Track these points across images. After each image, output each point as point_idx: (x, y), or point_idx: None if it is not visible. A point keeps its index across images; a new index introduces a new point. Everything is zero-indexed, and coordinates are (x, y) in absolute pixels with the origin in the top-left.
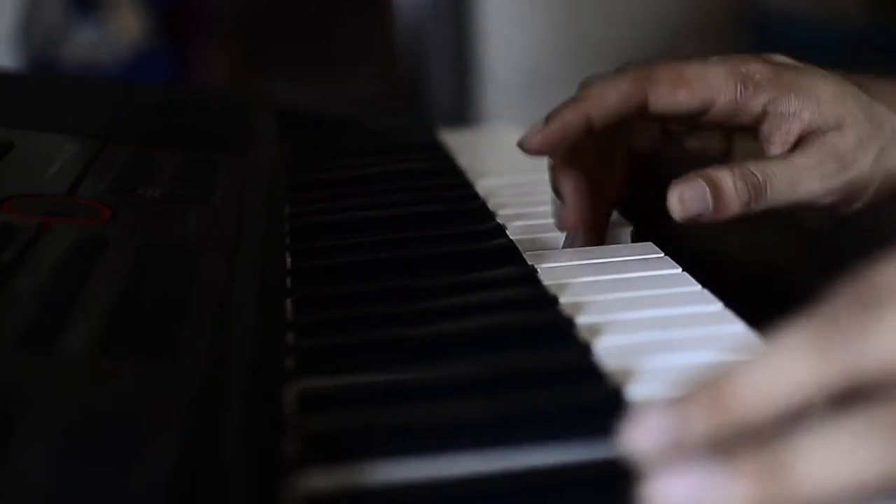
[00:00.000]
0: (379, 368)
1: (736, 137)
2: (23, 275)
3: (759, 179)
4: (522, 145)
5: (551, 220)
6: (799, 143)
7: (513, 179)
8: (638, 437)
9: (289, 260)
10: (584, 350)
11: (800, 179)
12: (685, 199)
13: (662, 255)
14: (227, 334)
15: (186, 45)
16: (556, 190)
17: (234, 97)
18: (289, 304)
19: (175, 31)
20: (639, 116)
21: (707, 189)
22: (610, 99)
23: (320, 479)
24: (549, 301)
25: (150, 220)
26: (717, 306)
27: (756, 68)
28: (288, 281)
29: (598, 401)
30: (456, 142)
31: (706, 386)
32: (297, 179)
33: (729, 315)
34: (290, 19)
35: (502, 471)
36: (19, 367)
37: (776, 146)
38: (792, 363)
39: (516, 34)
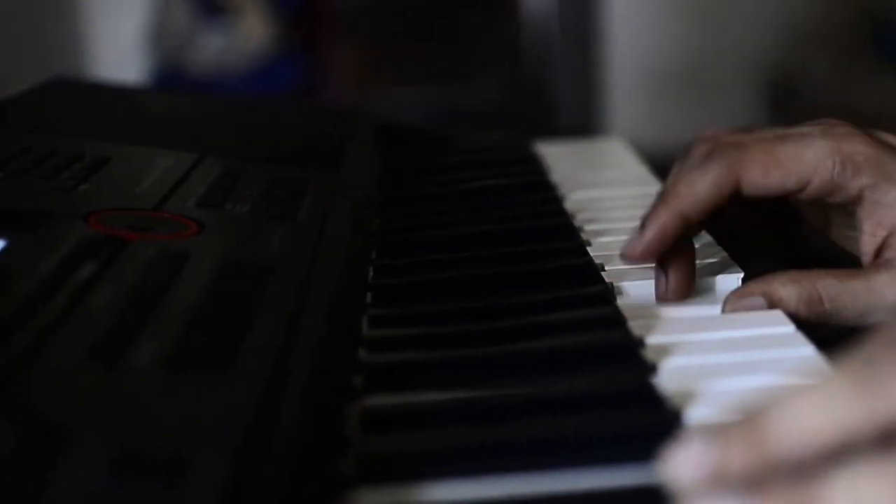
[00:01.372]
0: (443, 387)
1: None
2: (100, 290)
3: (824, 308)
4: (624, 257)
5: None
6: (887, 245)
7: (605, 193)
8: (677, 467)
9: (371, 276)
10: (647, 372)
11: (871, 310)
12: (736, 312)
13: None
14: (290, 352)
15: (313, 49)
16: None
17: (338, 109)
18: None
19: (302, 35)
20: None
21: (764, 306)
22: (701, 192)
23: (372, 499)
24: (619, 320)
25: (234, 236)
26: (789, 328)
27: (859, 149)
28: (368, 297)
29: (654, 425)
30: (554, 154)
31: (746, 420)
32: (388, 195)
33: (800, 337)
34: (417, 23)
35: (552, 493)
36: (82, 382)
37: (866, 236)
38: (830, 404)
39: (642, 37)
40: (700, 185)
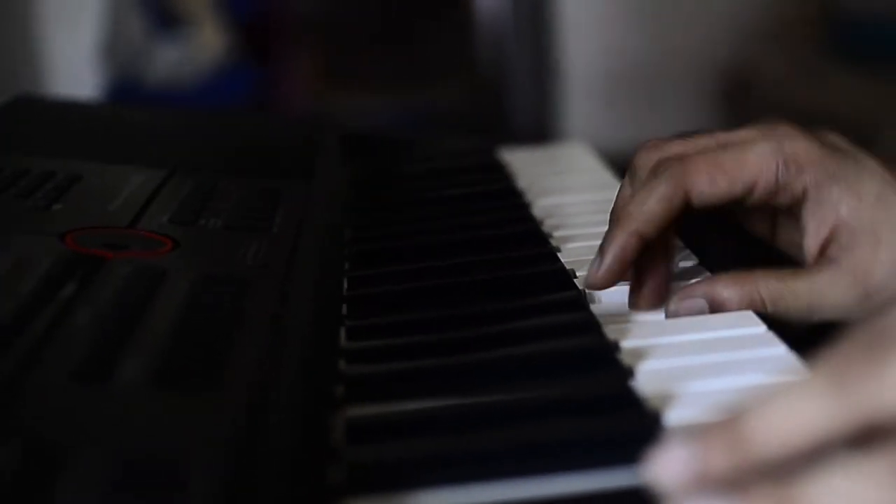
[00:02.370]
0: (424, 396)
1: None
2: (81, 308)
3: (766, 310)
4: (589, 286)
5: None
6: (831, 245)
7: (571, 199)
8: (660, 470)
9: (345, 286)
10: (624, 376)
11: (814, 309)
12: (678, 313)
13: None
14: (275, 365)
15: (269, 59)
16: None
17: (301, 120)
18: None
19: (257, 45)
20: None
21: (706, 308)
22: (652, 210)
23: None
24: (594, 326)
25: (209, 251)
26: (761, 328)
27: (801, 148)
28: (343, 308)
29: (634, 428)
30: (519, 160)
31: (725, 422)
32: (357, 204)
33: (772, 337)
34: (372, 31)
35: (537, 498)
36: (73, 401)
37: (810, 236)
38: (808, 405)
39: (597, 39)
40: (650, 204)
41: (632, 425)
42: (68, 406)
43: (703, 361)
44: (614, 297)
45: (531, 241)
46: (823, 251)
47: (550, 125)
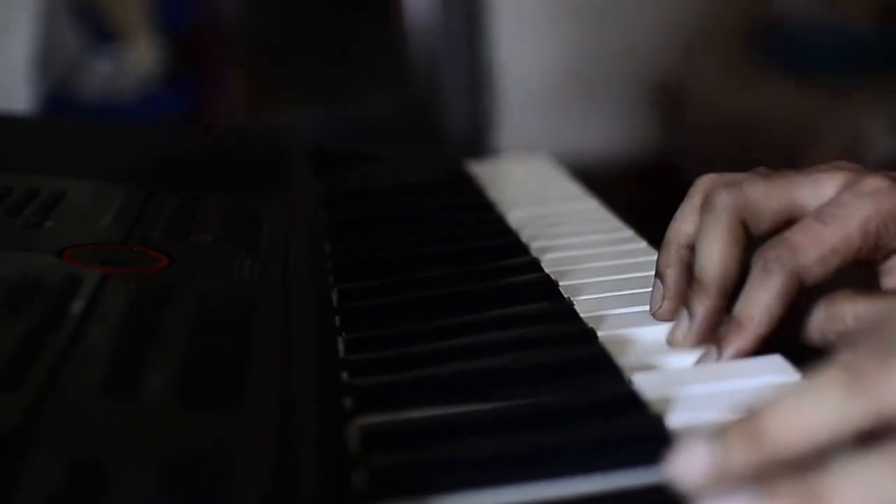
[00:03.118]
0: (432, 404)
1: None
2: (94, 324)
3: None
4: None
5: (583, 252)
6: None
7: (541, 211)
8: (681, 468)
9: (335, 299)
10: (624, 381)
11: None
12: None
13: None
14: (293, 378)
15: (202, 72)
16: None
17: (267, 135)
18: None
19: (191, 59)
20: None
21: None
22: (773, 311)
23: None
24: (588, 335)
25: (206, 267)
26: None
27: (893, 203)
28: (336, 320)
29: (642, 429)
30: (485, 173)
31: (744, 421)
32: (333, 219)
33: None
34: (304, 44)
35: (552, 499)
36: (107, 415)
37: (889, 281)
38: (823, 402)
39: (531, 48)
40: (771, 304)
41: (640, 427)
42: (101, 422)
43: (696, 367)
44: (595, 305)
45: (512, 252)
46: None
47: (486, 135)
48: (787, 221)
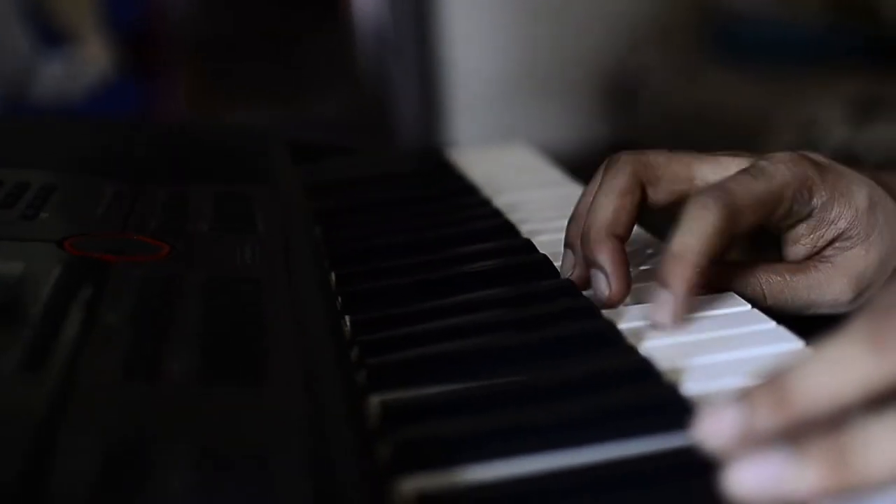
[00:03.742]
0: (445, 380)
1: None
2: (107, 310)
3: (765, 300)
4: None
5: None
6: (824, 251)
7: (526, 196)
8: (709, 430)
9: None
10: (635, 352)
11: (814, 301)
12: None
13: None
14: (309, 355)
15: (153, 73)
16: (592, 262)
17: (238, 129)
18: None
19: (141, 60)
20: None
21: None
22: (704, 239)
23: (414, 484)
24: (594, 310)
25: (207, 253)
26: (745, 307)
27: (811, 171)
28: (338, 302)
29: (659, 398)
30: (465, 162)
31: (770, 382)
32: (321, 207)
33: (759, 314)
34: (253, 44)
35: (583, 464)
36: (134, 397)
37: (803, 248)
38: (849, 360)
39: (482, 45)
40: (707, 237)
41: (657, 395)
42: (129, 403)
43: (700, 338)
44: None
45: (504, 234)
46: (811, 257)
47: (437, 132)
48: (684, 196)
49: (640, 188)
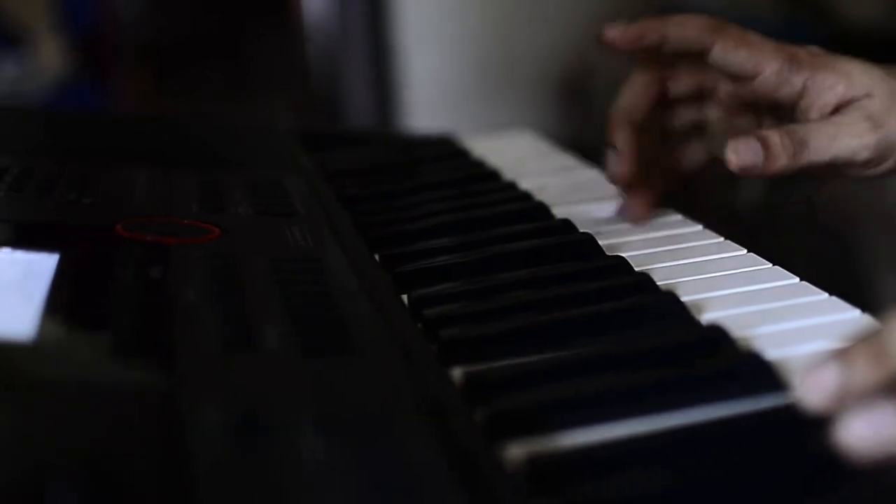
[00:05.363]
0: (518, 354)
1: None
2: (181, 288)
3: (801, 135)
4: (604, 35)
5: (599, 216)
6: (835, 111)
7: (545, 181)
8: (810, 389)
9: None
10: (698, 323)
11: (837, 134)
12: (739, 150)
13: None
14: (392, 326)
15: (107, 73)
16: (611, 142)
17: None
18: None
19: (95, 60)
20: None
21: (759, 144)
22: (687, 29)
23: (521, 449)
24: (652, 284)
25: (258, 234)
26: (794, 279)
27: (798, 50)
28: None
29: (743, 363)
30: (477, 149)
31: (866, 339)
32: (346, 193)
33: (809, 287)
34: (207, 45)
35: (681, 426)
36: (245, 371)
37: (815, 115)
38: None
39: (437, 47)
40: (688, 24)
41: (740, 360)
42: (239, 376)
43: (756, 309)
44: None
45: (540, 215)
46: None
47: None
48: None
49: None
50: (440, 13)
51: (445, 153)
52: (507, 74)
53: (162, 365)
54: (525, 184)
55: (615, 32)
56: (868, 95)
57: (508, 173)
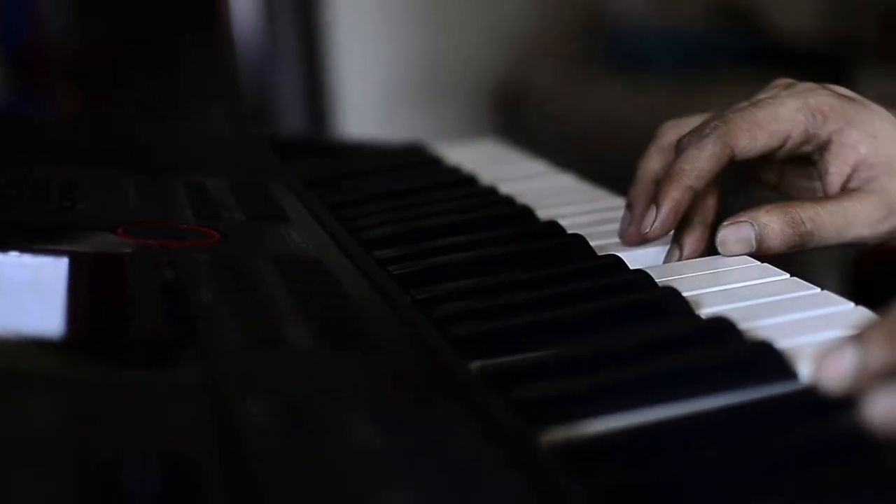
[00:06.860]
0: (529, 349)
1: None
2: (195, 289)
3: (806, 228)
4: (645, 235)
5: (588, 219)
6: (852, 179)
7: (522, 186)
8: (828, 371)
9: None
10: (698, 317)
11: (848, 226)
12: (728, 241)
13: None
14: (408, 325)
15: (40, 90)
16: (630, 205)
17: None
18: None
19: (28, 76)
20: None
21: (753, 233)
22: (704, 166)
23: (555, 435)
24: (649, 281)
25: (257, 238)
26: (785, 275)
27: (823, 100)
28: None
29: (754, 351)
30: (451, 156)
31: (880, 321)
32: (329, 200)
33: (801, 282)
34: (133, 58)
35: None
36: (279, 365)
37: (833, 176)
38: None
39: (369, 57)
40: (701, 161)
41: (751, 348)
42: (275, 370)
43: (750, 304)
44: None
45: (526, 218)
46: (845, 186)
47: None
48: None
49: (730, 153)
50: (372, 23)
51: (419, 160)
52: (441, 82)
53: (198, 361)
54: (504, 188)
55: (655, 229)
56: (890, 171)
57: (484, 179)
